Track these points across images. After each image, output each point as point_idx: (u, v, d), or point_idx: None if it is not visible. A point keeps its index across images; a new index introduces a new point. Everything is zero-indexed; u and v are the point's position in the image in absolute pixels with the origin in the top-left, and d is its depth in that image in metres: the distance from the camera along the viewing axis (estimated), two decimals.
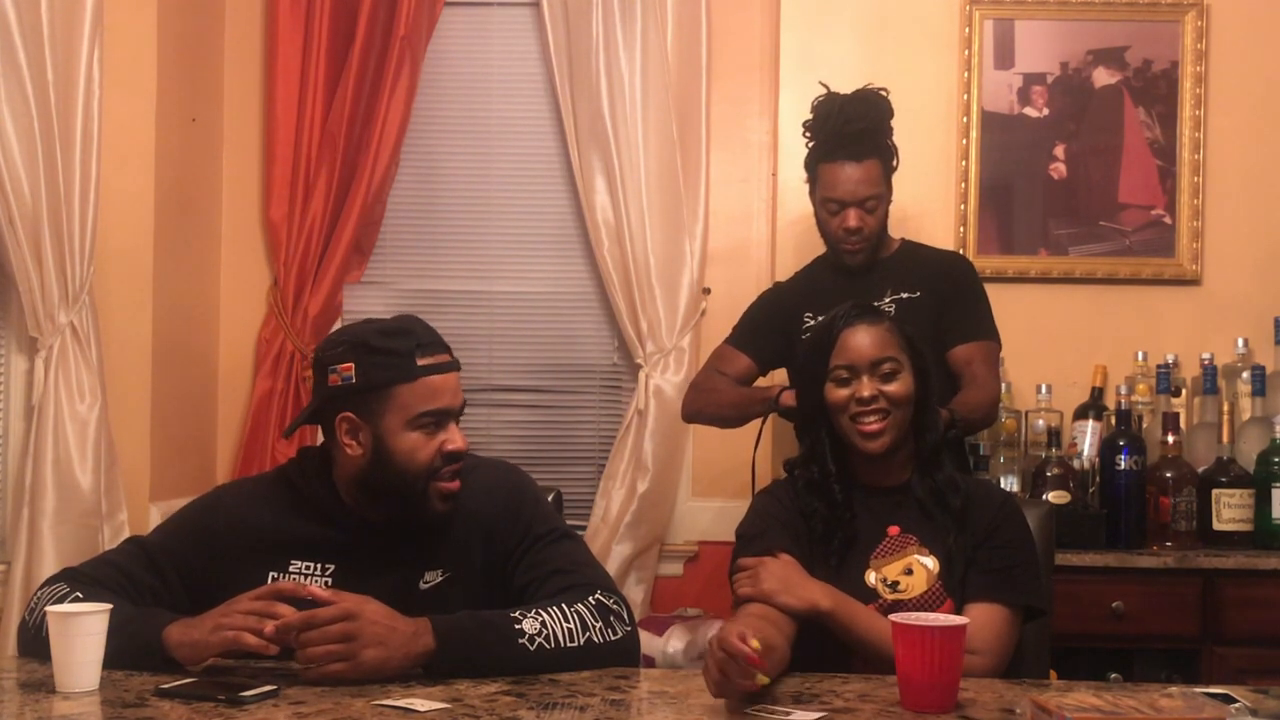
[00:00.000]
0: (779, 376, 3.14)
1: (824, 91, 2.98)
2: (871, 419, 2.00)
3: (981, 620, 1.90)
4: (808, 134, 2.98)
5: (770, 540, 2.01)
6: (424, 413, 1.91)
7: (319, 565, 1.96)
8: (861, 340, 2.03)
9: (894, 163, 2.95)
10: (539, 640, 1.81)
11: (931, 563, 1.98)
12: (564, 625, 1.84)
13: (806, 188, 3.02)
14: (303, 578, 1.94)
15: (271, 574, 1.95)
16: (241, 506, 2.01)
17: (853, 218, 2.87)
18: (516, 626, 1.81)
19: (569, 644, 1.83)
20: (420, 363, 1.91)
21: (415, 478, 1.91)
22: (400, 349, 1.91)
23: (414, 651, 1.76)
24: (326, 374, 1.94)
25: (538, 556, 1.96)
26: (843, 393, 2.02)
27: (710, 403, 3.00)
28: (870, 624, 1.89)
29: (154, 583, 1.95)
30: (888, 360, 2.02)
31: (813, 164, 2.96)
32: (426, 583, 1.95)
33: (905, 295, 2.90)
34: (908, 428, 2.04)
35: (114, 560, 1.99)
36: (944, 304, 2.88)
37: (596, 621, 1.87)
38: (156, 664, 1.78)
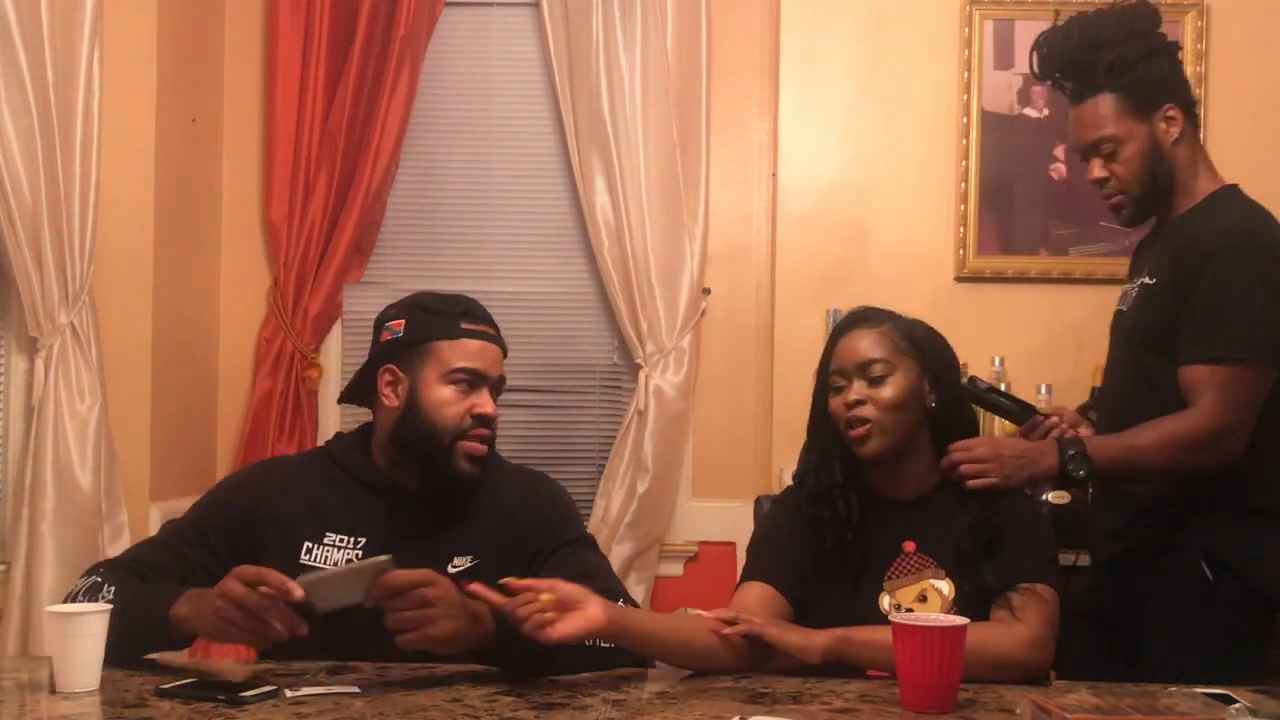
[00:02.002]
0: None
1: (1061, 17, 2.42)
2: (857, 424, 1.97)
3: (1021, 604, 1.87)
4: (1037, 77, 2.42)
5: (764, 565, 1.99)
6: (459, 368, 1.98)
7: (352, 538, 1.98)
8: (853, 344, 2.01)
9: (1147, 91, 2.26)
10: None
11: (947, 587, 1.94)
12: None
13: (808, 188, 2.98)
14: (335, 549, 1.97)
15: (306, 544, 1.98)
16: (282, 477, 2.06)
17: (1094, 168, 2.31)
18: None
19: (604, 643, 1.83)
20: (464, 325, 2.01)
21: (443, 433, 1.97)
22: (449, 310, 2.03)
23: (479, 633, 1.75)
24: (381, 333, 2.05)
25: (564, 559, 1.98)
26: (836, 401, 2.01)
27: None
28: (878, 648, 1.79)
29: (203, 557, 1.98)
30: (876, 363, 1.98)
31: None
32: (455, 567, 1.96)
33: (1150, 280, 2.27)
34: (910, 433, 1.99)
35: (160, 540, 2.03)
36: (1177, 301, 2.18)
37: None
38: (163, 639, 1.80)
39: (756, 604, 1.93)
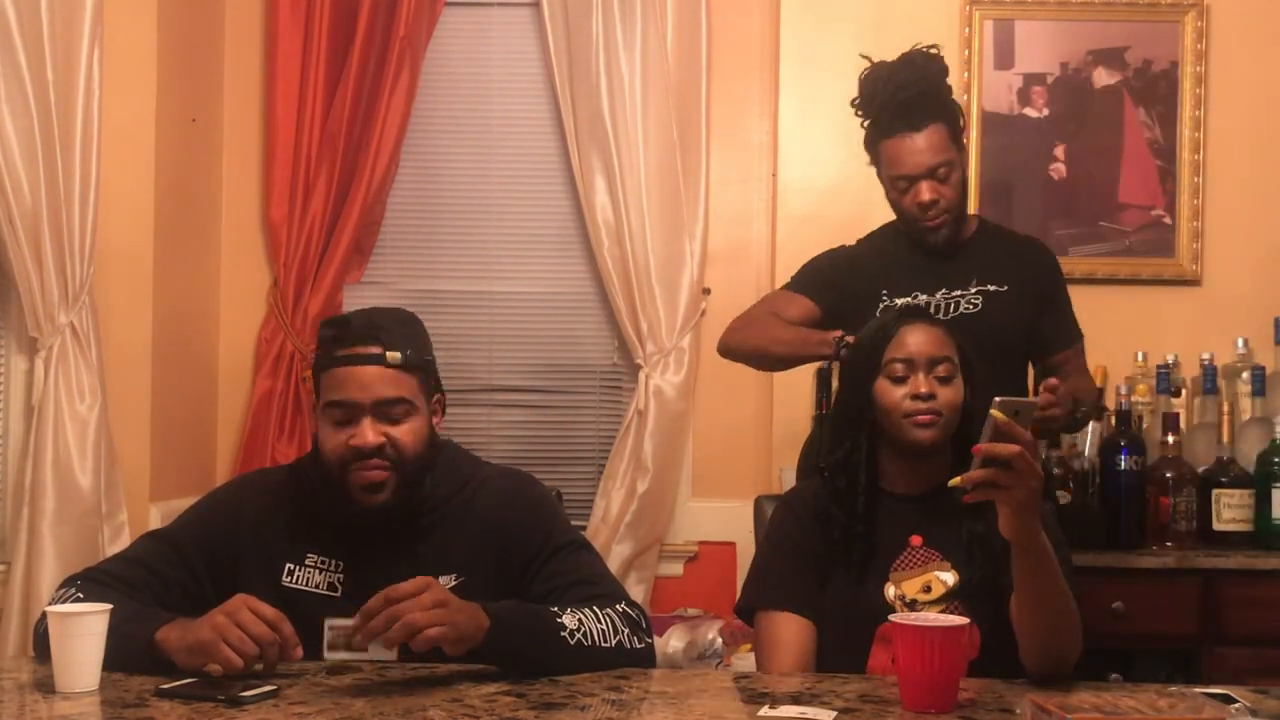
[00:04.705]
0: None
1: (868, 65, 2.71)
2: (925, 414, 1.98)
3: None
4: (859, 113, 2.71)
5: (792, 591, 1.99)
6: (329, 403, 1.93)
7: (332, 561, 1.97)
8: (922, 336, 2.02)
9: (960, 122, 2.68)
10: (578, 635, 1.82)
11: (951, 578, 1.95)
12: (598, 626, 1.85)
13: (808, 188, 2.99)
14: (316, 571, 1.96)
15: (288, 564, 1.96)
16: (263, 496, 2.03)
17: (926, 191, 2.61)
18: (558, 620, 1.82)
19: (602, 644, 1.84)
20: (337, 353, 1.93)
21: (331, 467, 1.93)
22: (325, 337, 1.96)
23: (480, 625, 1.75)
24: None
25: (559, 566, 1.96)
26: (898, 391, 2.00)
27: (759, 335, 2.71)
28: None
29: (180, 576, 1.96)
30: (945, 361, 2.01)
31: (872, 143, 2.69)
32: None
33: (992, 288, 2.67)
34: (952, 433, 2.02)
35: (135, 557, 1.99)
36: (1038, 305, 2.71)
37: (624, 628, 1.88)
38: (151, 665, 1.77)
39: (794, 647, 1.94)
